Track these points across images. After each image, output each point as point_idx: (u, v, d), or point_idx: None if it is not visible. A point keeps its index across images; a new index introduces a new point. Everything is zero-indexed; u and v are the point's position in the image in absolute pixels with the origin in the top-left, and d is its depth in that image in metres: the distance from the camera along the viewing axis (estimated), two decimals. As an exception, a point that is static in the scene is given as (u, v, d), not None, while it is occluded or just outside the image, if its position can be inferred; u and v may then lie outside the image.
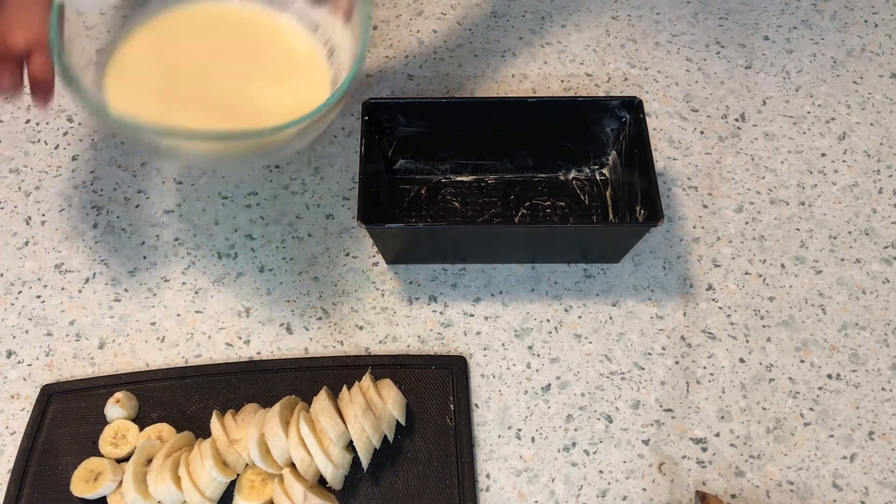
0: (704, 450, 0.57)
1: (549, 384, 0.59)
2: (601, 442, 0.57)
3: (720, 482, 0.55)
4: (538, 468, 0.56)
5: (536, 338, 0.61)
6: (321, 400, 0.54)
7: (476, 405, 0.58)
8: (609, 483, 0.55)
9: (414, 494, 0.54)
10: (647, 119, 0.64)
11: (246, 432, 0.53)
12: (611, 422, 0.58)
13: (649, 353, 0.61)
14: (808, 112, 0.75)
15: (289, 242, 0.66)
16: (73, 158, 0.71)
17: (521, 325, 0.62)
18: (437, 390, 0.58)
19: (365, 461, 0.53)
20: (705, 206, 0.68)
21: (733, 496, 0.55)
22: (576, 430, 0.57)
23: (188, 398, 0.57)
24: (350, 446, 0.54)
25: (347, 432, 0.53)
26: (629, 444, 0.57)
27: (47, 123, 0.73)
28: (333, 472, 0.52)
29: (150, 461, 0.53)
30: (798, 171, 0.71)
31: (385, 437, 0.55)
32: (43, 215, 0.68)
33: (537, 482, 0.55)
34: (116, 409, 0.56)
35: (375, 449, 0.54)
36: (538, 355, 0.60)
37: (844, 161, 0.71)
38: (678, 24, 0.81)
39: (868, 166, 0.71)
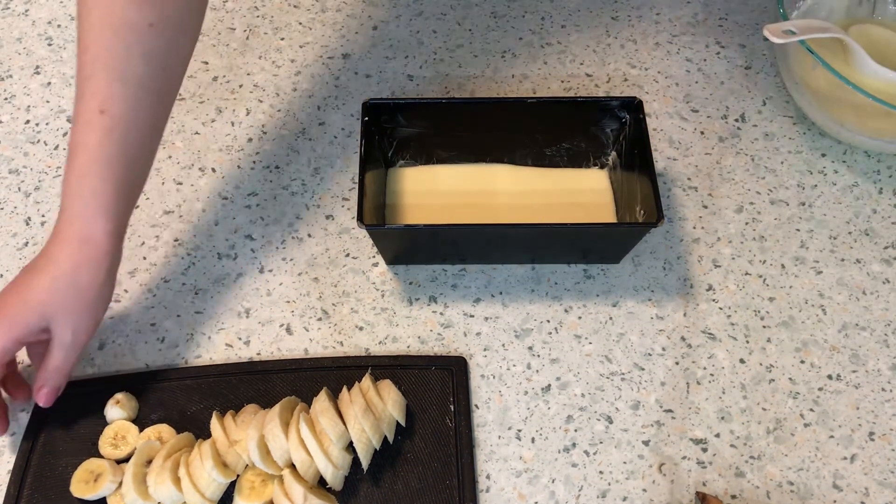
0: (704, 450, 0.57)
1: (549, 385, 0.59)
2: (601, 443, 0.57)
3: (720, 483, 0.55)
4: (538, 469, 0.56)
5: (536, 338, 0.61)
6: (321, 401, 0.54)
7: (476, 406, 0.58)
8: (609, 484, 0.55)
9: (414, 495, 0.54)
10: (647, 119, 0.64)
11: (246, 433, 0.53)
12: (611, 422, 0.58)
13: (649, 354, 0.61)
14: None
15: (289, 243, 0.66)
16: (73, 159, 0.71)
17: (521, 325, 0.62)
18: (437, 391, 0.58)
19: (365, 462, 0.53)
20: (705, 207, 0.68)
21: (733, 497, 0.55)
22: (576, 430, 0.57)
23: (188, 399, 0.57)
24: (350, 447, 0.54)
25: (347, 433, 0.53)
26: (629, 444, 0.57)
27: (47, 124, 0.73)
28: (333, 473, 0.52)
29: (150, 462, 0.53)
30: (798, 171, 0.71)
31: (385, 437, 0.55)
32: (43, 216, 0.68)
33: (537, 483, 0.55)
34: (116, 409, 0.56)
35: (375, 450, 0.54)
36: (538, 356, 0.60)
37: (844, 161, 0.71)
38: (678, 24, 0.81)
39: (868, 166, 0.71)
